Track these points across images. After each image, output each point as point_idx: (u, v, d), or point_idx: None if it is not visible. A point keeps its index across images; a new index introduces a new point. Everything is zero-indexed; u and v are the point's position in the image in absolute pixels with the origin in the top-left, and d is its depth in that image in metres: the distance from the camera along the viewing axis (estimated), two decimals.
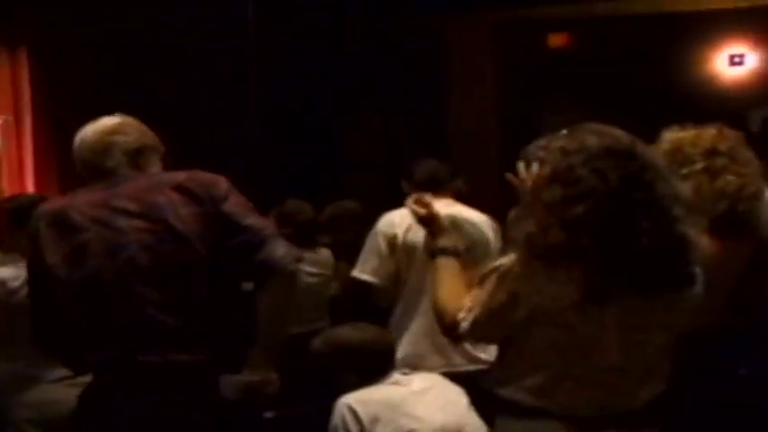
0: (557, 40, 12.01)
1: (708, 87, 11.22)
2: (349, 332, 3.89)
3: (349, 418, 3.52)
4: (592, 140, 2.44)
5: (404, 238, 4.50)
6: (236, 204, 3.22)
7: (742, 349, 3.42)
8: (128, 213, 3.17)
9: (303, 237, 5.58)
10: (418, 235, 4.22)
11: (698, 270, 2.52)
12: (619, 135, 2.48)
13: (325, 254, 6.00)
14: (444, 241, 2.86)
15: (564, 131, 2.51)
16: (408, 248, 4.49)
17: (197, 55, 7.93)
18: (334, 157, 10.50)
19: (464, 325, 2.60)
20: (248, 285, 3.26)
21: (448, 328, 2.68)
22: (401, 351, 4.38)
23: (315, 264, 5.79)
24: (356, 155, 11.00)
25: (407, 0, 10.59)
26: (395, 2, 10.53)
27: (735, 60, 11.18)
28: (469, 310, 2.59)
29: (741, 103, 10.10)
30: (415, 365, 4.22)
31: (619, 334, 2.46)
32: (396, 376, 3.79)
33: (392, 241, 4.53)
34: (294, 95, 9.58)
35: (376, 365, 3.79)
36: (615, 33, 11.24)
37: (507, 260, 2.52)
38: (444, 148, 9.36)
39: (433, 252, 2.91)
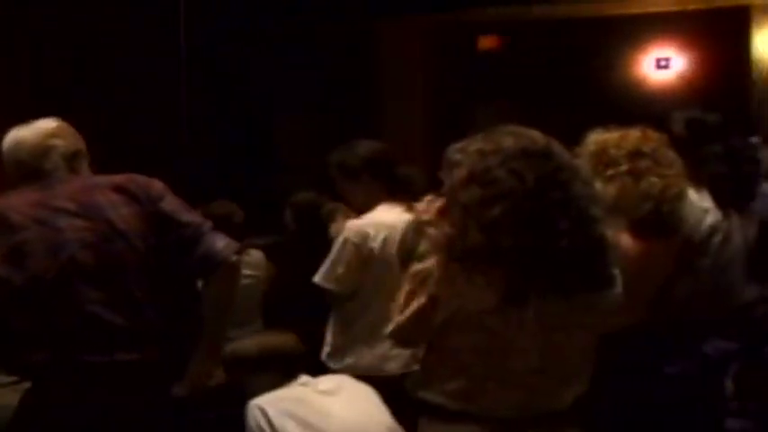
0: (486, 42, 12.11)
1: (635, 90, 11.40)
2: (256, 340, 4.01)
3: (261, 419, 3.57)
4: (508, 142, 2.44)
5: (380, 251, 4.30)
6: (172, 203, 3.26)
7: (667, 348, 3.45)
8: (68, 212, 3.16)
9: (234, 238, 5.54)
10: (393, 247, 4.09)
11: (617, 271, 2.52)
12: (535, 136, 2.48)
13: (255, 255, 5.97)
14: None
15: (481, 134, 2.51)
16: (385, 262, 4.27)
17: (126, 57, 7.85)
18: (263, 158, 10.46)
19: (390, 327, 2.59)
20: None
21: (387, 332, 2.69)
22: (353, 357, 4.30)
23: (247, 265, 5.76)
24: (286, 156, 10.96)
25: (338, 2, 10.58)
26: (326, 4, 10.52)
27: (661, 64, 11.37)
28: (395, 313, 2.58)
29: (667, 106, 10.27)
30: (376, 370, 4.17)
31: (539, 335, 2.45)
32: (304, 378, 3.86)
33: (367, 255, 4.33)
34: (224, 96, 9.53)
35: (284, 370, 3.88)
36: (544, 36, 11.36)
37: (428, 263, 2.52)
38: None
39: (408, 258, 2.88)
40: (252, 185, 8.76)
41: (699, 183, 3.59)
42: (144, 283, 3.16)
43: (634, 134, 3.16)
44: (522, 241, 2.34)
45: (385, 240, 4.21)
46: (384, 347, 4.20)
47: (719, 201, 3.64)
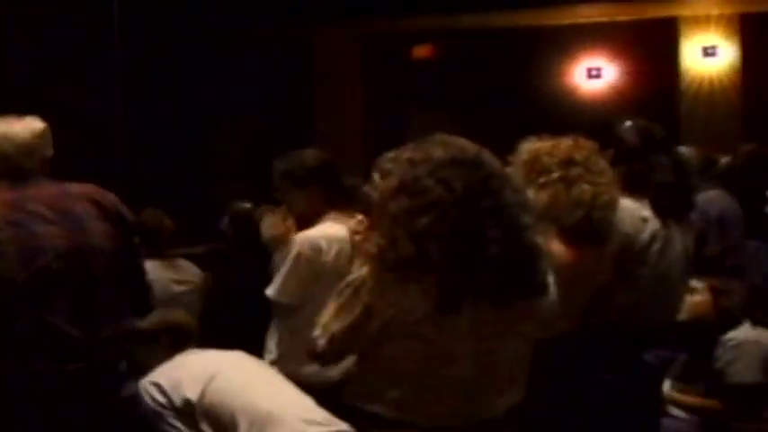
0: (421, 51, 12.18)
1: (567, 99, 11.55)
2: (151, 317, 3.96)
3: (154, 391, 3.58)
4: (438, 151, 2.44)
5: (333, 265, 4.25)
6: (132, 221, 3.32)
7: (608, 356, 3.50)
8: (44, 218, 3.11)
9: (160, 247, 5.55)
10: (345, 261, 4.08)
11: (549, 278, 2.53)
12: (465, 145, 2.49)
13: (184, 263, 5.93)
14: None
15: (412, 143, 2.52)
16: (336, 275, 4.18)
17: (61, 66, 7.77)
18: (201, 164, 10.41)
19: (321, 342, 2.57)
20: None
21: (308, 350, 2.66)
22: (294, 365, 4.28)
23: (180, 273, 5.73)
24: (223, 163, 10.93)
25: (276, 9, 10.57)
26: (263, 11, 10.50)
27: (592, 73, 11.54)
28: (325, 327, 2.57)
29: (598, 115, 10.44)
30: (308, 378, 4.15)
31: (473, 344, 2.46)
32: (192, 350, 3.93)
33: (319, 269, 4.27)
34: (161, 105, 9.46)
35: (174, 341, 3.95)
36: (478, 46, 11.46)
37: (360, 273, 2.51)
38: None
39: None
40: (189, 194, 8.72)
41: (641, 191, 3.65)
42: (110, 296, 3.16)
43: (566, 143, 3.18)
44: (453, 250, 2.35)
45: (337, 254, 4.19)
46: None
47: (661, 209, 3.69)
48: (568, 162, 3.12)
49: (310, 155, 4.44)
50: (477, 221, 2.38)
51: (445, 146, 2.48)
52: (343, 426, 3.08)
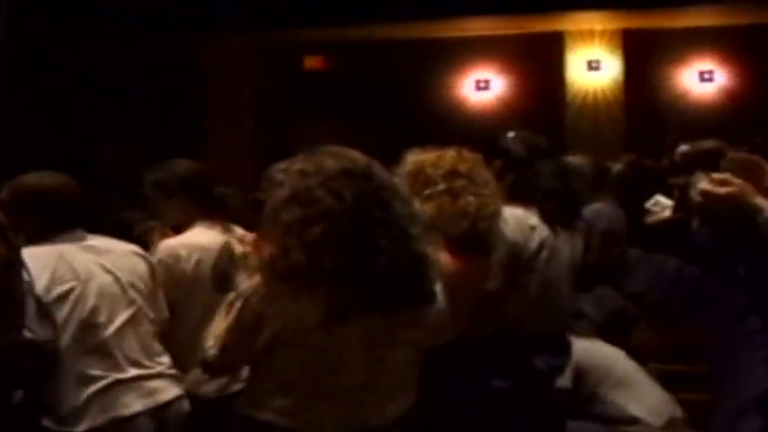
0: (312, 62, 12.20)
1: (456, 111, 11.71)
2: (31, 178, 3.73)
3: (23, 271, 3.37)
4: (329, 162, 2.47)
5: (193, 273, 4.23)
6: None
7: (498, 362, 3.56)
8: None
9: None
10: (207, 269, 4.06)
11: (437, 287, 2.57)
12: (356, 157, 2.53)
13: None
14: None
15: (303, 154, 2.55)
16: (197, 284, 4.19)
17: None
18: (88, 175, 10.23)
19: (212, 352, 2.57)
20: None
21: (200, 360, 2.65)
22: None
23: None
24: (111, 174, 10.76)
25: (168, 19, 10.47)
26: (155, 20, 10.39)
27: (480, 86, 11.73)
28: (217, 337, 2.57)
29: (487, 127, 10.60)
30: (190, 391, 4.10)
31: (363, 351, 2.49)
32: (79, 233, 3.66)
33: (178, 276, 4.21)
34: (49, 112, 9.29)
35: (56, 213, 3.64)
36: (369, 57, 11.54)
37: (251, 282, 2.52)
38: None
39: (223, 281, 2.86)
40: None
41: (528, 200, 3.73)
42: None
43: (450, 154, 3.21)
44: (343, 259, 2.38)
45: (198, 262, 4.16)
46: (198, 371, 4.11)
47: (548, 216, 3.77)
48: (453, 174, 3.15)
49: (180, 165, 4.41)
50: (367, 232, 2.41)
51: (336, 157, 2.51)
52: None
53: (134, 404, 3.45)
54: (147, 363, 3.57)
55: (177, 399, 3.63)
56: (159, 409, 3.53)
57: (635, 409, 4.57)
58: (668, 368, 5.35)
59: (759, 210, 2.98)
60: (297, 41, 11.74)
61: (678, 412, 4.64)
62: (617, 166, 6.58)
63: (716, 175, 3.08)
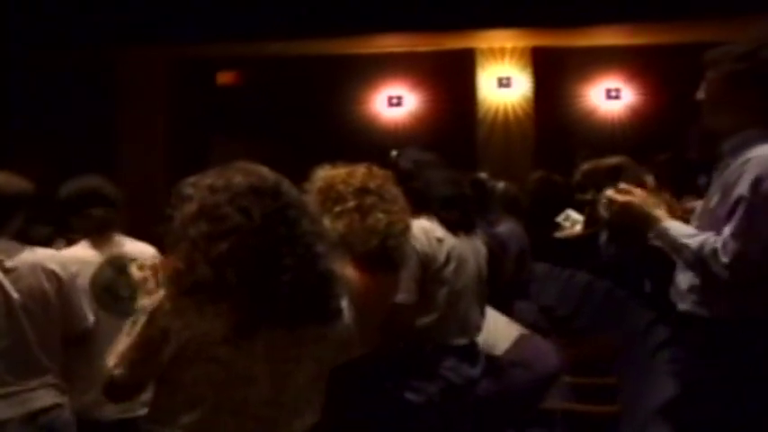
0: (225, 77, 12.16)
1: (368, 127, 11.75)
2: None
3: None
4: (238, 179, 2.49)
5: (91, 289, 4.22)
6: None
7: (410, 375, 3.60)
8: None
9: None
10: (84, 282, 4.06)
11: (345, 304, 2.59)
12: (265, 174, 2.54)
13: None
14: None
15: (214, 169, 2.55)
16: (94, 296, 4.20)
17: None
18: None
19: (118, 372, 2.53)
20: None
21: (104, 384, 2.61)
22: (74, 400, 4.19)
23: None
24: None
25: (80, 32, 10.33)
26: (68, 32, 10.25)
27: (393, 102, 11.80)
28: (122, 356, 2.54)
29: (399, 143, 10.66)
30: (89, 414, 4.06)
31: (270, 367, 2.50)
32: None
33: None
34: None
35: None
36: (283, 73, 11.54)
37: (156, 297, 2.51)
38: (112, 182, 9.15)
39: (106, 294, 2.82)
40: None
41: (425, 209, 3.78)
42: None
43: (360, 171, 3.24)
44: (249, 275, 2.39)
45: (76, 274, 4.18)
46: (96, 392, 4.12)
47: (450, 225, 3.82)
48: (363, 190, 3.18)
49: (77, 182, 4.45)
50: (272, 249, 2.43)
51: (246, 174, 2.52)
52: None
53: (4, 412, 3.55)
54: (20, 382, 3.66)
55: (54, 407, 3.70)
56: (33, 416, 3.60)
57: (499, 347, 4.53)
58: (578, 381, 5.43)
59: (657, 220, 3.06)
60: (210, 56, 11.69)
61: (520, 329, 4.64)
62: (500, 185, 6.67)
63: (622, 185, 3.16)
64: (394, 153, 3.97)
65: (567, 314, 6.68)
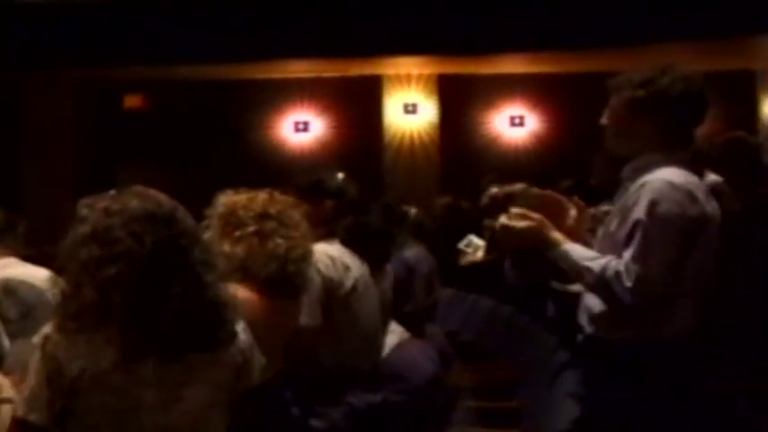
0: (133, 101, 12.04)
1: (275, 152, 11.74)
2: None
3: None
4: (134, 203, 2.46)
5: None
6: None
7: (314, 401, 3.59)
8: None
9: None
10: None
11: (238, 328, 2.58)
12: (162, 200, 2.51)
13: None
14: None
15: (112, 191, 2.53)
16: None
17: None
18: None
19: (34, 416, 2.44)
20: None
21: (18, 421, 2.56)
22: None
23: None
24: None
25: None
26: None
27: (299, 127, 11.81)
28: (32, 398, 2.46)
29: (306, 168, 10.66)
30: None
31: (162, 392, 2.46)
32: None
33: None
34: None
35: None
36: (190, 97, 11.48)
37: (45, 329, 2.45)
38: (17, 204, 8.97)
39: None
40: None
41: (358, 242, 3.83)
42: None
43: (262, 196, 3.23)
44: (134, 301, 2.37)
45: None
46: None
47: (376, 256, 3.89)
48: (263, 216, 3.17)
49: None
50: (161, 276, 2.41)
51: (142, 199, 2.50)
52: None
53: None
54: None
55: None
56: None
57: None
58: (482, 405, 5.46)
59: (555, 244, 3.09)
60: (118, 80, 11.58)
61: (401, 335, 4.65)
62: (412, 210, 6.72)
63: (515, 210, 3.17)
64: (340, 175, 3.98)
65: (472, 339, 6.72)
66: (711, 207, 2.99)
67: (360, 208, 3.90)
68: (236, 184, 3.34)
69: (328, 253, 3.75)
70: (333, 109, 11.74)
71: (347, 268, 3.79)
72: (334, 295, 3.73)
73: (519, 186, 6.35)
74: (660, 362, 2.98)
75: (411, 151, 11.51)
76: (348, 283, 3.78)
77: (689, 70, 3.08)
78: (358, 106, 11.58)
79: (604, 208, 3.56)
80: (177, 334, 2.42)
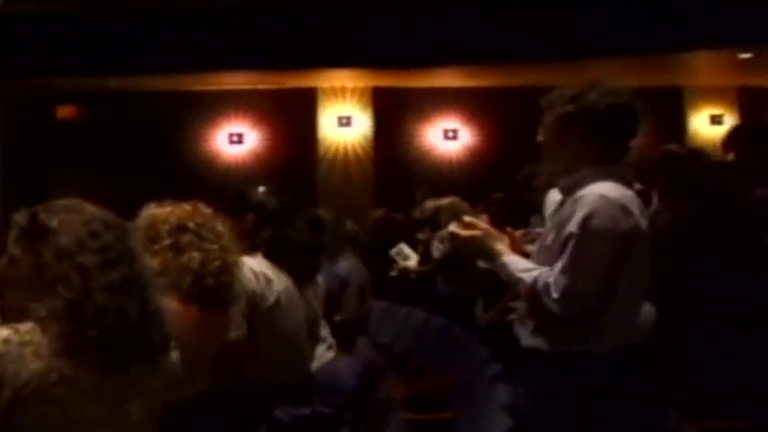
0: (66, 111, 11.89)
1: (210, 163, 11.66)
2: None
3: None
4: (91, 212, 2.39)
5: None
6: None
7: (235, 415, 3.54)
8: None
9: None
10: None
11: (170, 337, 2.50)
12: (107, 212, 2.53)
13: None
14: None
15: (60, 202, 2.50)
16: None
17: None
18: None
19: None
20: None
21: None
22: None
23: None
24: None
25: None
26: None
27: (234, 139, 11.76)
28: None
29: (240, 180, 10.60)
30: None
31: (107, 406, 2.39)
32: None
33: None
34: None
35: None
36: (124, 108, 11.36)
37: None
38: None
39: None
40: None
41: (281, 255, 3.79)
42: None
43: (183, 209, 3.18)
44: (73, 313, 2.29)
45: None
46: None
47: (301, 270, 3.86)
48: (180, 229, 3.13)
49: None
50: (107, 287, 2.38)
51: (94, 209, 2.47)
52: None
53: None
54: None
55: None
56: None
57: None
58: (415, 417, 5.46)
59: (497, 255, 3.12)
60: (50, 90, 11.42)
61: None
62: (347, 223, 6.72)
63: (466, 218, 3.22)
64: (261, 189, 3.95)
65: (405, 351, 6.73)
66: (645, 221, 3.02)
67: (281, 220, 3.87)
68: (169, 196, 3.29)
69: (250, 266, 3.72)
70: (267, 121, 11.71)
71: (269, 281, 3.77)
72: (257, 309, 3.70)
73: (448, 200, 6.37)
74: (590, 374, 3.00)
75: (345, 164, 11.53)
76: (271, 297, 3.76)
77: (617, 85, 3.13)
78: (293, 118, 11.57)
79: (538, 230, 3.60)
80: (122, 344, 2.39)
